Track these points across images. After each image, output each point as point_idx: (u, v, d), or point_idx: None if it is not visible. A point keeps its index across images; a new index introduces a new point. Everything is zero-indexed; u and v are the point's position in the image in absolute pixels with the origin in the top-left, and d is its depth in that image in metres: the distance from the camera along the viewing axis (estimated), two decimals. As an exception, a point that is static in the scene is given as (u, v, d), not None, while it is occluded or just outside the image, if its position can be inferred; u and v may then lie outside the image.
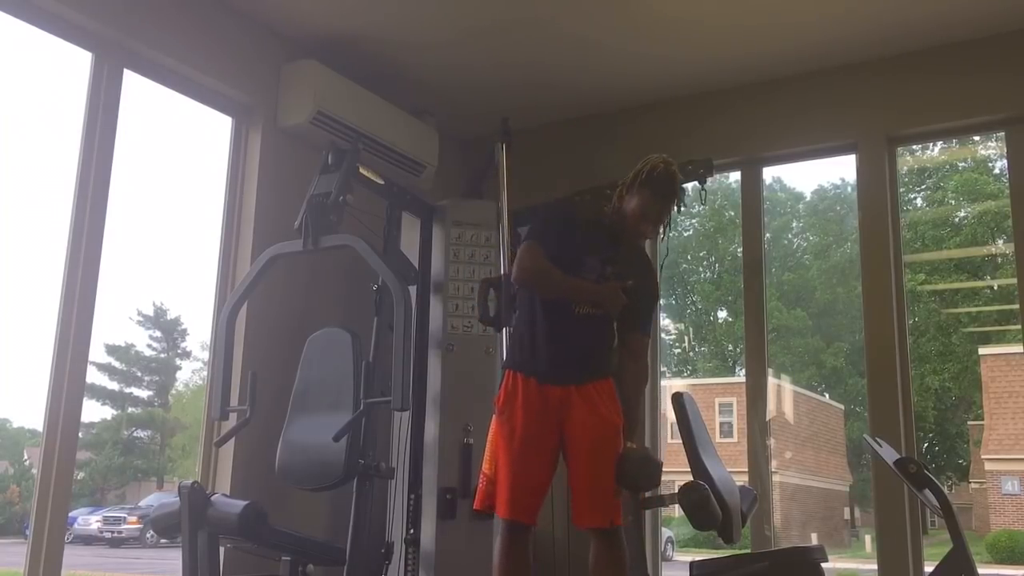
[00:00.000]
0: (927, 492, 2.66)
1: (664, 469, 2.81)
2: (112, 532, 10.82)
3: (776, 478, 15.35)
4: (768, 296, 4.50)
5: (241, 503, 2.92)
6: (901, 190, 4.41)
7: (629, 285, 2.77)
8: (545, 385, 2.73)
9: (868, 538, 16.51)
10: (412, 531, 3.80)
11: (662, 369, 4.69)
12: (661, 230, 2.94)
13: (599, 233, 2.87)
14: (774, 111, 4.37)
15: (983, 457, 15.20)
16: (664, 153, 2.87)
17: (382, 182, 3.91)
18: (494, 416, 2.80)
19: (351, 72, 4.12)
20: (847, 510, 19.49)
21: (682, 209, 3.02)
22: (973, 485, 16.53)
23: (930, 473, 2.65)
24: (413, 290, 3.89)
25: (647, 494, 2.88)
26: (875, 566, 3.87)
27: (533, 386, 2.73)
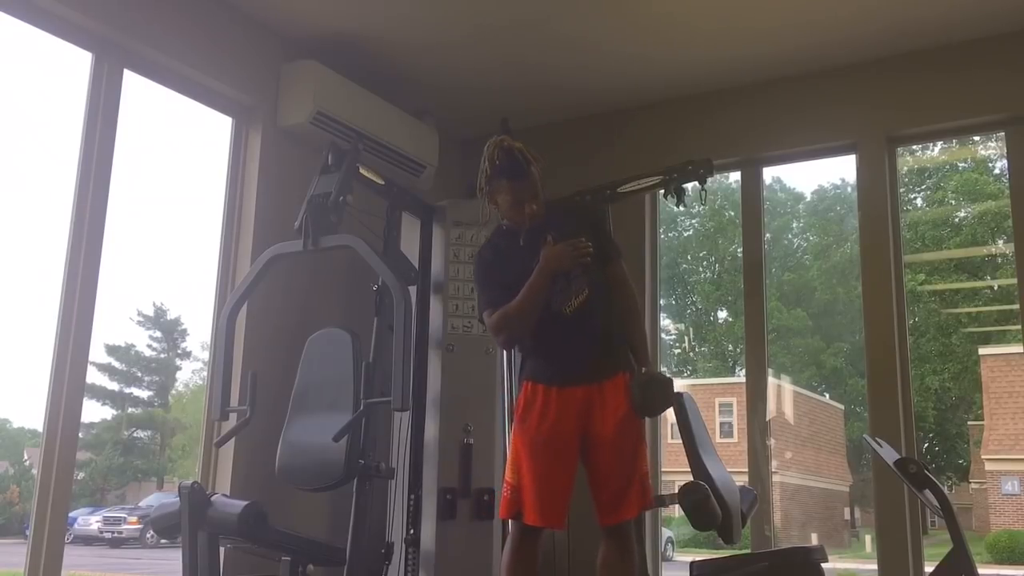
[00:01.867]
0: (927, 492, 2.66)
1: (664, 469, 2.81)
2: (112, 532, 10.81)
3: (776, 478, 15.34)
4: (768, 296, 4.50)
5: (241, 503, 2.92)
6: (901, 190, 4.41)
7: (549, 239, 2.71)
8: (566, 388, 2.71)
9: (868, 538, 16.51)
10: (412, 531, 3.79)
11: (662, 368, 4.68)
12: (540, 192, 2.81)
13: (514, 244, 2.83)
14: (774, 111, 4.38)
15: (983, 457, 15.20)
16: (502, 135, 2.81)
17: (382, 182, 3.91)
18: (514, 425, 2.79)
19: (351, 72, 4.12)
20: (847, 510, 19.49)
21: (682, 208, 2.99)
22: (973, 485, 16.53)
23: (930, 473, 2.65)
24: (413, 290, 3.89)
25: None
26: (875, 566, 3.88)
27: (553, 393, 2.72)
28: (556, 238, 2.72)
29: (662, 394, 2.69)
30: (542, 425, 2.69)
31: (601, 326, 2.76)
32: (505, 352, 3.96)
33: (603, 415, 2.69)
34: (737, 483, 3.06)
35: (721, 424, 17.00)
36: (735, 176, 4.60)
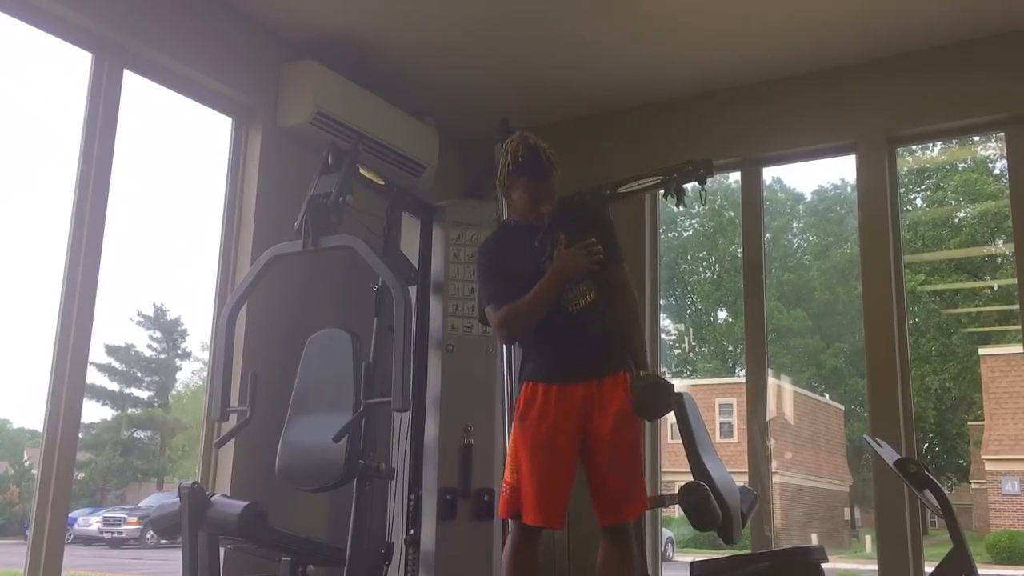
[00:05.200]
0: (927, 492, 2.66)
1: (664, 469, 2.81)
2: (112, 533, 10.81)
3: (776, 478, 15.34)
4: (768, 296, 4.50)
5: (241, 504, 2.92)
6: (901, 190, 4.41)
7: (562, 240, 2.70)
8: (567, 387, 2.71)
9: (868, 538, 16.51)
10: (412, 531, 3.80)
11: (662, 370, 4.68)
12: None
13: (524, 240, 2.80)
14: (774, 111, 4.38)
15: (983, 457, 15.20)
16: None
17: (382, 182, 3.92)
18: (514, 425, 2.79)
19: (351, 73, 4.13)
20: (847, 510, 19.49)
21: (682, 208, 2.99)
22: (973, 485, 16.53)
23: (930, 473, 2.65)
24: (413, 291, 3.90)
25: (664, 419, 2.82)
26: (875, 566, 3.88)
27: (553, 392, 2.71)
28: (568, 239, 2.71)
29: (663, 397, 2.68)
30: (542, 425, 2.69)
31: (604, 326, 2.77)
32: (505, 351, 3.96)
33: (602, 413, 2.69)
34: (737, 483, 3.06)
35: (721, 424, 17.00)
36: (735, 176, 4.60)
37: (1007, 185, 4.05)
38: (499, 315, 2.75)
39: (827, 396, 19.78)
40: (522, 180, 2.74)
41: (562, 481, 2.68)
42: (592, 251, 2.69)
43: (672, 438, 4.01)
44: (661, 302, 4.82)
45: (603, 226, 2.90)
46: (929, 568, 3.39)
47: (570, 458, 2.70)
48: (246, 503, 2.91)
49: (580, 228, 2.78)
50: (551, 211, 2.78)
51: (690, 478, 2.80)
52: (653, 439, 4.32)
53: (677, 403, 2.98)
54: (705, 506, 2.65)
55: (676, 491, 2.79)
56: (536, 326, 2.75)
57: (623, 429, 2.69)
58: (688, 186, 3.85)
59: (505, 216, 2.92)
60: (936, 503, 2.64)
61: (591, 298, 2.75)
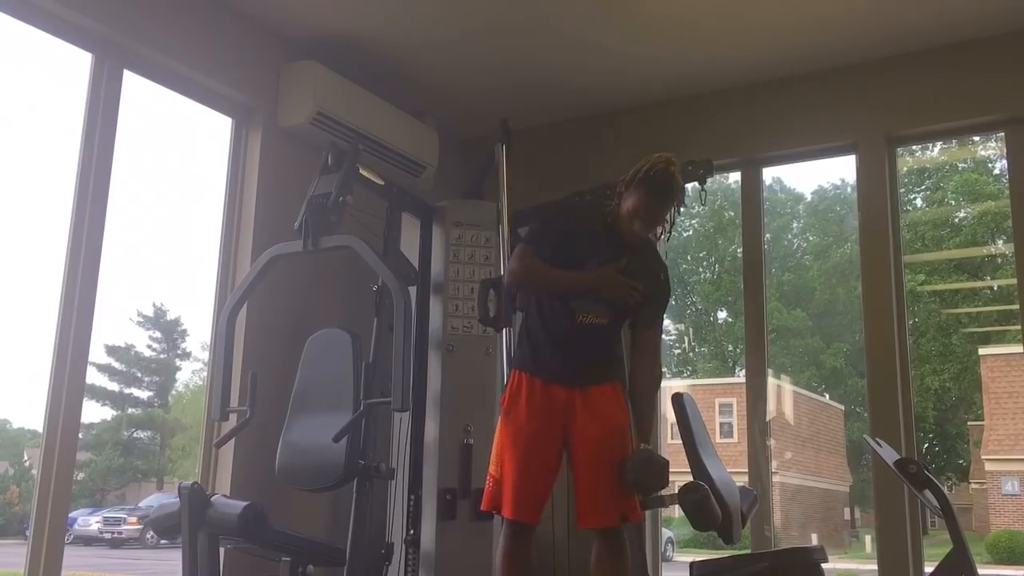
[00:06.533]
0: (927, 492, 2.66)
1: (664, 469, 2.80)
2: (112, 533, 10.82)
3: (776, 478, 15.35)
4: (768, 296, 4.50)
5: (241, 504, 2.92)
6: (901, 190, 4.41)
7: (623, 264, 2.72)
8: (551, 385, 2.73)
9: (868, 538, 16.52)
10: (412, 532, 3.79)
11: (662, 369, 4.68)
12: (660, 231, 2.82)
13: (599, 236, 2.81)
14: (774, 111, 4.37)
15: (983, 457, 15.21)
16: (670, 153, 2.78)
17: (382, 183, 3.91)
18: (499, 417, 2.80)
19: (351, 73, 4.12)
20: (847, 510, 19.51)
21: (682, 209, 2.98)
22: (973, 485, 16.55)
23: (930, 473, 2.65)
24: (413, 291, 3.89)
25: (655, 495, 2.85)
26: (875, 566, 3.87)
27: (538, 386, 2.73)
28: (629, 270, 2.73)
29: (658, 475, 2.66)
30: (527, 418, 2.71)
31: (599, 351, 2.80)
32: (505, 351, 3.96)
33: (587, 418, 2.70)
34: (737, 483, 3.06)
35: (721, 424, 17.02)
36: (735, 176, 4.59)
37: (1007, 185, 4.05)
38: (525, 260, 2.77)
39: (827, 396, 19.80)
40: (645, 195, 2.71)
41: (541, 476, 2.70)
42: (634, 292, 2.71)
43: (672, 438, 4.01)
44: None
45: (662, 289, 2.90)
46: (929, 568, 3.38)
47: (551, 455, 2.72)
48: (246, 503, 2.91)
49: (646, 272, 2.80)
50: (643, 237, 2.78)
51: (690, 478, 2.80)
52: (653, 439, 4.32)
53: (677, 403, 2.98)
54: (705, 506, 2.65)
55: (676, 491, 2.78)
56: (543, 321, 2.78)
57: (610, 440, 2.71)
58: (688, 186, 3.85)
59: (600, 209, 2.87)
60: (936, 503, 2.64)
61: (602, 322, 2.77)
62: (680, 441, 2.93)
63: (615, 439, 2.72)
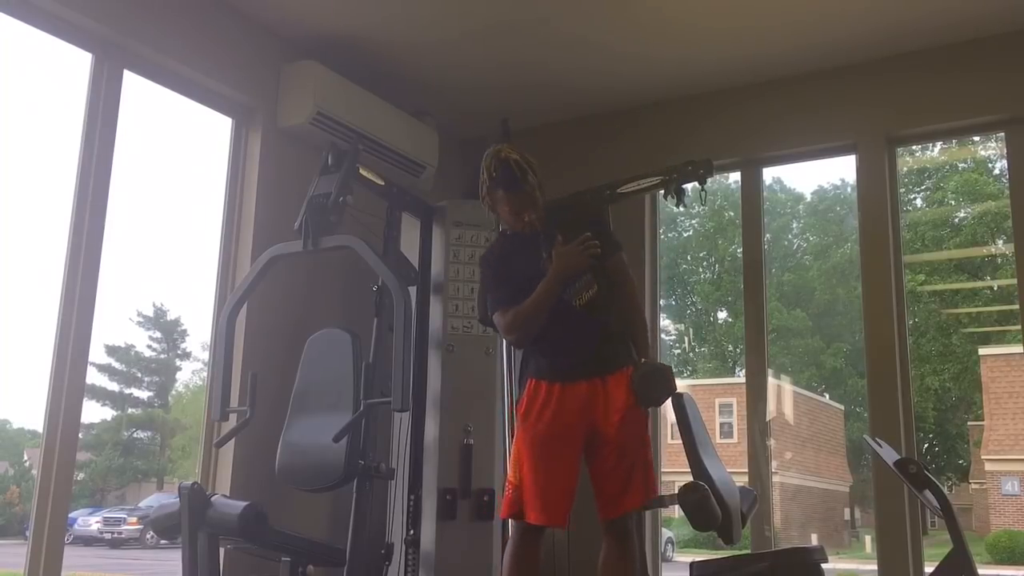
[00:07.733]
0: (927, 493, 2.66)
1: (664, 469, 2.81)
2: (112, 533, 10.82)
3: (776, 479, 15.35)
4: (768, 296, 4.50)
5: (241, 504, 2.92)
6: (901, 190, 4.41)
7: (559, 239, 2.74)
8: (570, 385, 2.73)
9: (868, 538, 16.52)
10: (412, 532, 3.80)
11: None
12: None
13: (527, 239, 2.85)
14: (774, 111, 4.37)
15: (983, 457, 15.20)
16: (501, 144, 2.84)
17: (382, 183, 3.91)
18: (517, 423, 2.80)
19: (351, 72, 4.12)
20: (847, 510, 19.49)
21: (682, 208, 3.00)
22: (973, 485, 16.53)
23: (930, 474, 2.65)
24: (413, 291, 3.89)
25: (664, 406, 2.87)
26: (875, 566, 3.87)
27: (556, 390, 2.74)
28: (565, 238, 2.74)
29: (662, 382, 2.71)
30: (544, 422, 2.70)
31: (608, 320, 2.80)
32: (505, 351, 3.96)
33: (607, 410, 2.71)
34: (737, 483, 3.06)
35: (721, 424, 17.01)
36: (735, 176, 4.59)
37: (1007, 185, 4.05)
38: (506, 320, 2.79)
39: (827, 396, 19.78)
40: (499, 193, 2.80)
41: (564, 478, 2.70)
42: (588, 245, 2.73)
43: (672, 438, 4.00)
44: (661, 302, 4.82)
45: (595, 218, 2.96)
46: (929, 568, 3.39)
47: (573, 455, 2.72)
48: (246, 503, 2.91)
49: (575, 226, 2.81)
50: (540, 216, 2.82)
51: (690, 478, 2.80)
52: (653, 439, 4.32)
53: (677, 402, 2.98)
54: (705, 506, 2.65)
55: (676, 491, 2.78)
56: (550, 323, 2.77)
57: (629, 425, 2.71)
58: (688, 186, 3.85)
59: (502, 227, 2.96)
60: (936, 503, 2.64)
61: (594, 292, 2.78)
62: (680, 441, 2.93)
63: (633, 426, 2.73)
